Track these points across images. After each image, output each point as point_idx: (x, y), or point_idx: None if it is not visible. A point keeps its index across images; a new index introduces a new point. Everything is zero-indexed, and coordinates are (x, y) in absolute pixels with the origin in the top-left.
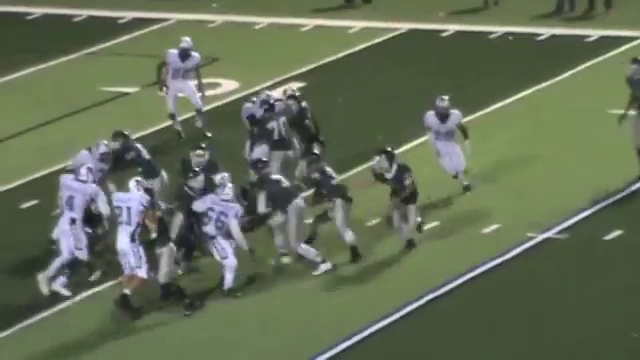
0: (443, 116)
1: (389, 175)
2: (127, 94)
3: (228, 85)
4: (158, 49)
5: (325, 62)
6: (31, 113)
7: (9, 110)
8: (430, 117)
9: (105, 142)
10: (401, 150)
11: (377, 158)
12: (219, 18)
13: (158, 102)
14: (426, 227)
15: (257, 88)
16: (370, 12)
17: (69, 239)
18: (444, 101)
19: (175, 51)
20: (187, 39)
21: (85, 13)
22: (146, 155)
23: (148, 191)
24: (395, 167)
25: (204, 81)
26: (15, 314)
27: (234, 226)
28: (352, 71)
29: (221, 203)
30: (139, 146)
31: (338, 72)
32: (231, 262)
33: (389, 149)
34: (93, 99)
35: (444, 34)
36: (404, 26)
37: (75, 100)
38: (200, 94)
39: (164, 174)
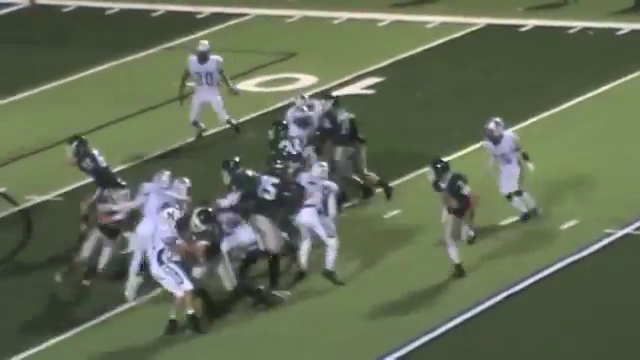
0: (495, 140)
1: (443, 185)
2: None
3: (306, 80)
4: (236, 44)
5: (403, 57)
6: (110, 108)
7: (88, 105)
8: (485, 141)
9: None
10: (477, 146)
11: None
12: (297, 13)
13: (235, 98)
14: (505, 222)
15: (335, 83)
16: (448, 7)
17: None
18: (493, 124)
19: (194, 56)
20: (204, 42)
21: (163, 8)
22: (102, 163)
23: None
24: (449, 177)
25: (281, 76)
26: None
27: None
28: (429, 66)
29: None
30: (96, 153)
31: (416, 67)
32: (335, 242)
33: (440, 161)
34: (171, 94)
35: (522, 29)
36: (482, 21)
37: (153, 95)
38: (233, 89)
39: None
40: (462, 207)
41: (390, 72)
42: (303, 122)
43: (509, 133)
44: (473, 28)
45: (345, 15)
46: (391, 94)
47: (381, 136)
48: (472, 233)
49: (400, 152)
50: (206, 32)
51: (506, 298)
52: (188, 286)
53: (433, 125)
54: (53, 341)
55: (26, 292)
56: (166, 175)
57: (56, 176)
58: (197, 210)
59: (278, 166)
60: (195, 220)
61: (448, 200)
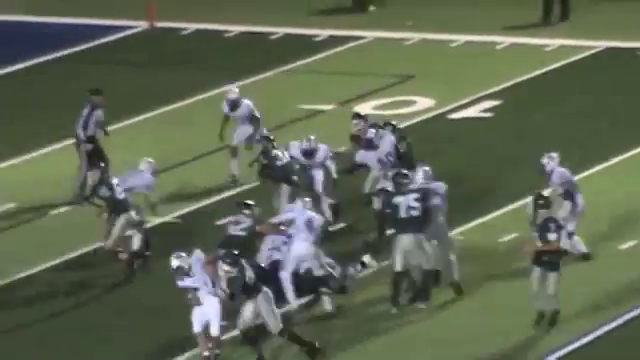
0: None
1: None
2: (323, 111)
3: (423, 103)
4: (354, 67)
5: (520, 80)
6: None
7: (209, 126)
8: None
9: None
10: (595, 170)
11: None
12: (415, 36)
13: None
14: (624, 246)
15: (452, 105)
16: (567, 30)
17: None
18: (545, 158)
19: (225, 103)
20: (234, 89)
21: (282, 31)
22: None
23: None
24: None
25: (399, 99)
26: None
27: None
28: (548, 89)
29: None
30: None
31: (534, 90)
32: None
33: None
34: (289, 116)
35: None
36: (601, 44)
37: (272, 117)
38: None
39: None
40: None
41: (508, 95)
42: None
43: (560, 169)
44: (592, 51)
45: (463, 38)
46: (508, 117)
47: (499, 159)
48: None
49: (519, 175)
50: (323, 55)
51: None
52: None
53: (550, 148)
54: None
55: None
56: (308, 202)
57: (174, 198)
58: (222, 254)
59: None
60: (222, 266)
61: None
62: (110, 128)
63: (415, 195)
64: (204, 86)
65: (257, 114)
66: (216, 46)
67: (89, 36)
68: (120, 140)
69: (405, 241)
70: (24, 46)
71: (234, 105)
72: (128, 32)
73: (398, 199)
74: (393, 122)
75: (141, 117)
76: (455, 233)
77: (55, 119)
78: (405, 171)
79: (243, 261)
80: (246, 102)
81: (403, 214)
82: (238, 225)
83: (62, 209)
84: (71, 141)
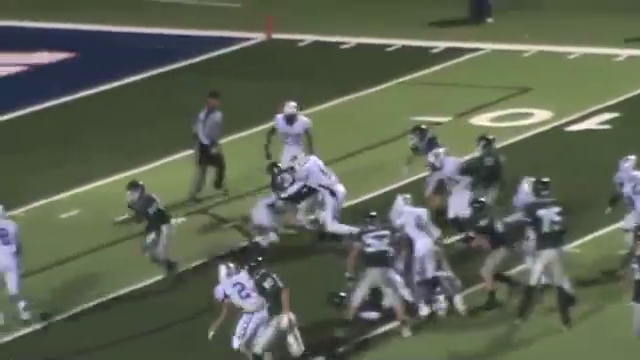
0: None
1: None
2: (439, 124)
3: (541, 115)
4: (471, 79)
5: (639, 92)
6: (345, 140)
7: (323, 138)
8: None
9: None
10: None
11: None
12: (532, 48)
13: (469, 133)
14: None
15: (570, 118)
16: None
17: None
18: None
19: (281, 115)
20: (292, 104)
21: (398, 43)
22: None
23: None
24: None
25: (516, 111)
26: None
27: None
28: None
29: None
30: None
31: None
32: None
33: None
34: (405, 128)
35: None
36: None
37: (387, 129)
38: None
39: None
40: None
41: (626, 107)
42: None
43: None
44: None
45: (580, 50)
46: (627, 130)
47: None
48: None
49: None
50: (440, 67)
51: None
52: None
53: None
54: None
55: None
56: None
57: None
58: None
59: None
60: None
61: None
62: (227, 139)
63: (557, 209)
64: (320, 98)
65: (311, 132)
66: (333, 58)
67: (208, 48)
68: (235, 150)
69: (548, 256)
70: (145, 57)
71: (290, 120)
72: (245, 44)
73: (541, 212)
74: (489, 137)
75: (258, 128)
76: (572, 247)
77: (174, 129)
78: (545, 179)
79: None
80: (303, 118)
81: (546, 228)
82: (381, 239)
83: (180, 219)
84: (190, 151)
